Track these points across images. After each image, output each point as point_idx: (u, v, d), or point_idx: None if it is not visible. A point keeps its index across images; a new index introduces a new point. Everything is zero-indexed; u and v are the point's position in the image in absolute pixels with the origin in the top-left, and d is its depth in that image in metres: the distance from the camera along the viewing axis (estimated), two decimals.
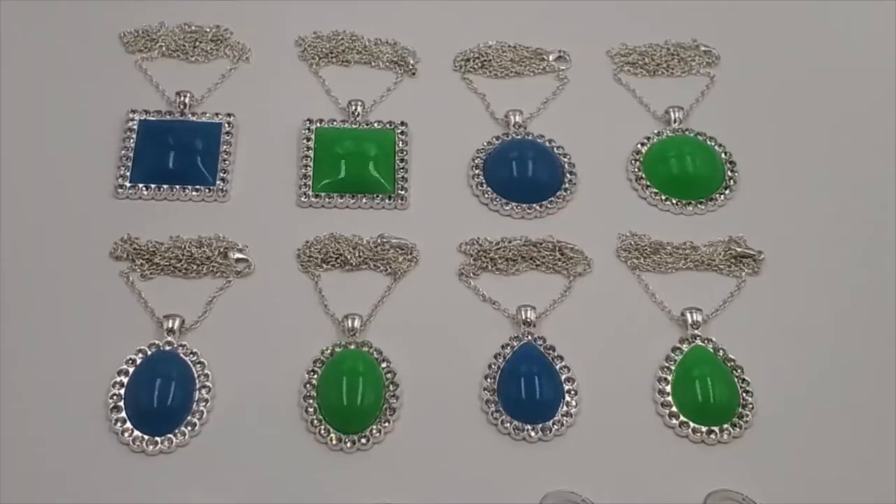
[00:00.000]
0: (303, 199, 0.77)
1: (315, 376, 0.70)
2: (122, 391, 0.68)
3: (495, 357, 0.71)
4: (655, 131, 0.81)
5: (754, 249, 0.76)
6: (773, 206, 0.78)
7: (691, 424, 0.68)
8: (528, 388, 0.69)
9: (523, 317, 0.73)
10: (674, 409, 0.69)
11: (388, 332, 0.72)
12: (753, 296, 0.74)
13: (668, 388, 0.70)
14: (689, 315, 0.72)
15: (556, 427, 0.68)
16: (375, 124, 0.81)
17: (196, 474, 0.66)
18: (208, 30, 0.85)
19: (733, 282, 0.75)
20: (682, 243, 0.76)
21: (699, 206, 0.78)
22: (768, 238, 0.76)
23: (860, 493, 0.66)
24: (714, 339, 0.72)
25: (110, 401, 0.68)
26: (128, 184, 0.77)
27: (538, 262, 0.76)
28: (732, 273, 0.75)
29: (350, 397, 0.69)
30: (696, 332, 0.72)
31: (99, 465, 0.66)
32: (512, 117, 0.81)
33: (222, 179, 0.78)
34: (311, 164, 0.79)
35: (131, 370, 0.69)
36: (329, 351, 0.71)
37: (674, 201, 0.78)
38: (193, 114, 0.80)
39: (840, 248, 0.76)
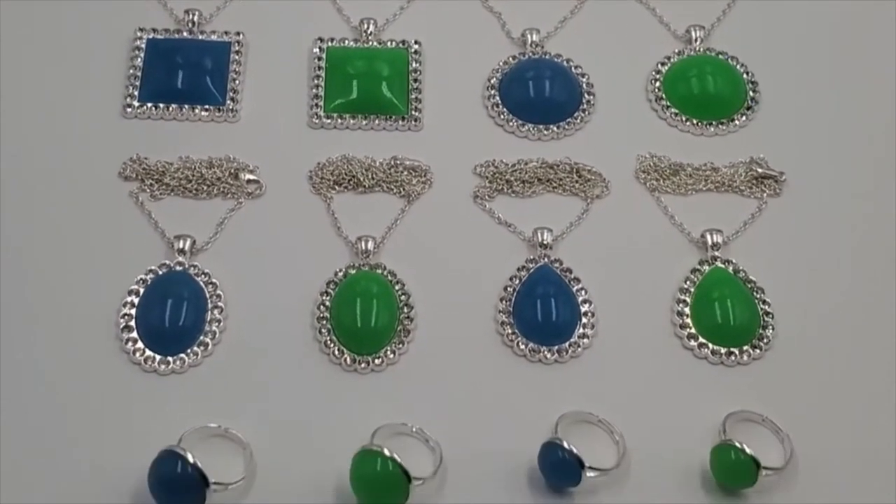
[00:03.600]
0: (314, 119, 0.76)
1: (328, 298, 0.69)
2: (134, 311, 0.67)
3: (511, 279, 0.70)
4: (676, 51, 0.79)
5: (776, 170, 0.74)
6: (796, 127, 0.77)
7: (710, 346, 0.67)
8: (543, 310, 0.68)
9: (539, 239, 0.71)
10: (692, 330, 0.68)
11: (402, 254, 0.71)
12: (775, 217, 0.73)
13: (687, 310, 0.68)
14: (709, 236, 0.71)
15: (572, 349, 0.67)
16: (388, 43, 0.79)
17: (209, 395, 0.65)
18: None
19: (754, 203, 0.73)
20: (702, 164, 0.75)
21: (720, 126, 0.76)
22: (790, 159, 0.75)
23: (880, 414, 0.65)
24: (734, 261, 0.70)
25: (121, 321, 0.67)
26: (136, 103, 0.75)
27: (555, 185, 0.74)
28: (754, 194, 0.74)
29: (364, 319, 0.68)
30: (716, 253, 0.71)
31: (111, 385, 0.65)
32: (529, 36, 0.79)
33: (232, 99, 0.76)
34: (323, 84, 0.77)
35: (142, 290, 0.68)
36: (342, 273, 0.70)
37: (694, 122, 0.76)
38: (202, 32, 0.78)
39: (863, 168, 0.75)
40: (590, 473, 0.61)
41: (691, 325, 0.68)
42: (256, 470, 0.62)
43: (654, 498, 0.62)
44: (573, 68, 0.79)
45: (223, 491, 0.60)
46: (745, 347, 0.67)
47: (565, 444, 0.61)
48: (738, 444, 0.61)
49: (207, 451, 0.60)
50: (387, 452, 0.60)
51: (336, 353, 0.67)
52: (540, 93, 0.77)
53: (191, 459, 0.58)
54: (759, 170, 0.74)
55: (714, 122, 0.77)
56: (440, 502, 0.61)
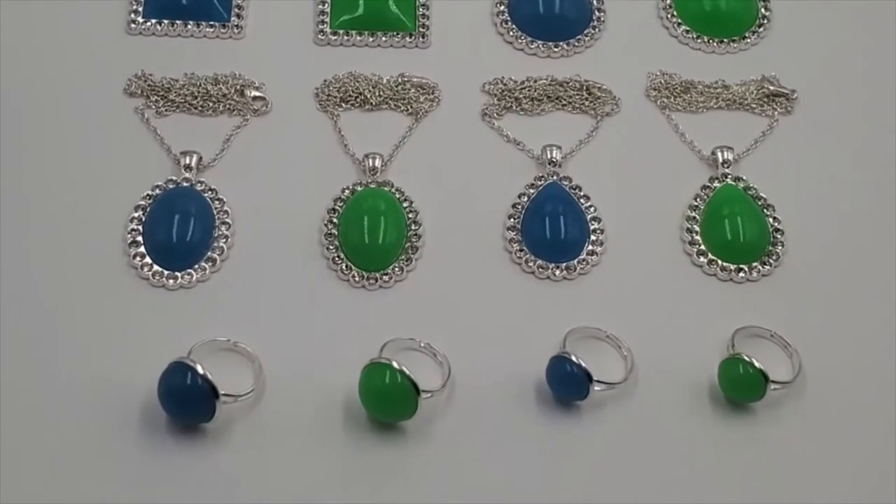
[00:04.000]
0: (320, 36, 0.75)
1: (336, 215, 0.68)
2: (141, 227, 0.67)
3: (519, 197, 0.70)
4: None
5: (787, 88, 0.73)
6: (807, 45, 0.76)
7: (720, 262, 0.67)
8: (552, 228, 0.68)
9: (548, 157, 0.71)
10: (702, 247, 0.67)
11: (410, 172, 0.71)
12: (786, 135, 0.72)
13: (697, 227, 0.68)
14: (719, 154, 0.70)
15: (580, 266, 0.67)
16: None
17: (217, 310, 0.65)
18: None
19: (765, 121, 0.73)
20: (713, 82, 0.74)
21: (732, 44, 0.76)
22: (802, 77, 0.74)
23: (887, 330, 0.65)
24: (745, 178, 0.70)
25: (129, 236, 0.67)
26: (140, 19, 0.74)
27: (564, 102, 0.73)
28: (765, 112, 0.73)
29: (372, 236, 0.67)
30: (726, 170, 0.70)
31: (120, 301, 0.65)
32: None
33: (237, 15, 0.75)
34: (329, 0, 0.76)
35: (149, 206, 0.68)
36: (350, 190, 0.69)
37: (706, 39, 0.76)
38: None
39: (875, 86, 0.74)
40: (597, 387, 0.61)
41: (701, 241, 0.68)
42: (266, 383, 0.62)
43: (661, 412, 0.62)
44: None
45: (232, 403, 0.60)
46: (755, 264, 0.67)
47: (573, 358, 0.61)
48: (746, 358, 0.61)
49: (216, 365, 0.60)
50: (395, 365, 0.60)
51: (344, 269, 0.67)
52: (550, 9, 0.76)
53: (200, 371, 0.59)
54: (771, 87, 0.73)
55: (726, 40, 0.76)
56: (448, 415, 0.62)
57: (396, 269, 0.67)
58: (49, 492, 0.58)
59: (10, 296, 0.64)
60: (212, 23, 0.75)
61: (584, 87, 0.74)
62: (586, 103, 0.73)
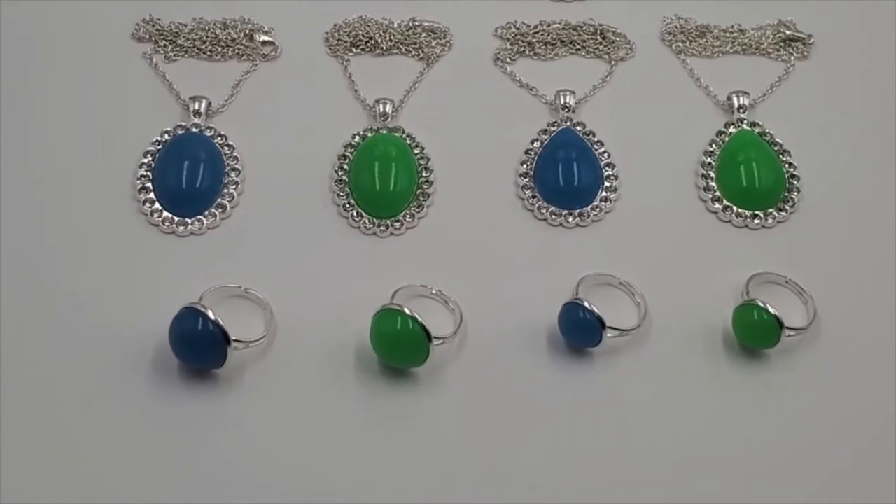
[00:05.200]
0: None
1: (346, 161, 0.68)
2: (150, 173, 0.66)
3: (532, 143, 0.69)
4: None
5: (804, 33, 0.72)
6: None
7: (735, 208, 0.66)
8: (565, 174, 0.67)
9: (562, 102, 0.70)
10: (717, 193, 0.67)
11: (421, 118, 0.70)
12: (802, 80, 0.71)
13: (712, 173, 0.67)
14: (735, 99, 0.69)
15: (594, 213, 0.67)
16: None
17: (227, 257, 0.65)
18: None
19: (782, 66, 0.72)
20: (729, 26, 0.73)
21: None
22: (818, 21, 0.73)
23: None
24: (761, 123, 0.69)
25: (138, 182, 0.66)
26: None
27: (578, 47, 0.72)
28: (781, 57, 0.72)
29: (383, 182, 0.67)
30: (742, 115, 0.69)
31: (130, 246, 0.64)
32: None
33: None
34: None
35: (158, 152, 0.67)
36: (360, 136, 0.69)
37: None
38: None
39: (891, 31, 0.73)
40: (610, 334, 0.61)
41: (716, 187, 0.67)
42: (277, 329, 0.62)
43: (674, 358, 0.61)
44: None
45: (244, 349, 0.60)
46: (770, 210, 0.66)
47: (586, 304, 0.60)
48: (761, 304, 0.60)
49: (228, 311, 0.60)
50: (407, 311, 0.59)
51: (355, 216, 0.66)
52: None
53: (212, 316, 0.58)
54: (787, 32, 0.72)
55: None
56: (460, 362, 0.61)
57: (408, 215, 0.66)
58: (61, 437, 0.58)
59: (20, 244, 0.64)
60: None
61: (599, 32, 0.73)
62: (600, 48, 0.72)
